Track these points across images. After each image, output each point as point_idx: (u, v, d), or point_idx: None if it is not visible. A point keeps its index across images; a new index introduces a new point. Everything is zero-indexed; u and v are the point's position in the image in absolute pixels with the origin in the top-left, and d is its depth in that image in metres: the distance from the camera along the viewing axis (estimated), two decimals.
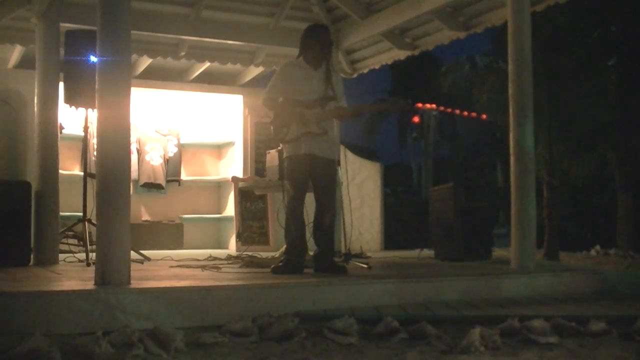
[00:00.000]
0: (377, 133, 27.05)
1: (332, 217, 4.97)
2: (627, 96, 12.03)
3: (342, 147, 7.10)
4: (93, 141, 6.99)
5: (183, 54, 8.10)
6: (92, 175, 5.09)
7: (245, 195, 9.07)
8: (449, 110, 23.22)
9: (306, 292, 3.96)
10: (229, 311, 3.61)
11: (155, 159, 9.50)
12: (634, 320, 3.34)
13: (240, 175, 9.11)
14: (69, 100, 6.05)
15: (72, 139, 8.14)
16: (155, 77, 9.12)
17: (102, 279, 3.73)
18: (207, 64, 8.73)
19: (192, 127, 9.94)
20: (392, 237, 11.87)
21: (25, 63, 8.04)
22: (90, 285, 3.77)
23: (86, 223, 6.04)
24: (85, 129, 6.34)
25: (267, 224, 9.40)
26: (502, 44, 5.85)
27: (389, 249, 10.38)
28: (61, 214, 6.35)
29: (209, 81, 9.59)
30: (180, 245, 9.18)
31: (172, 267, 5.59)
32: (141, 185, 9.38)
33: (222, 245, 9.77)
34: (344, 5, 7.63)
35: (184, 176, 9.78)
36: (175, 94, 9.59)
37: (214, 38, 7.78)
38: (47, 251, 6.03)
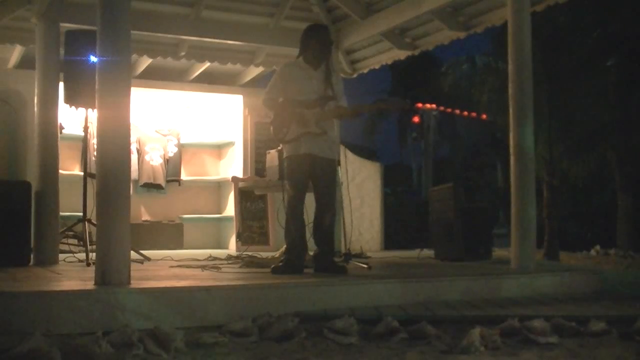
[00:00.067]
0: (377, 133, 27.04)
1: (332, 217, 4.97)
2: (627, 96, 12.04)
3: (342, 147, 7.10)
4: (93, 141, 7.00)
5: (183, 54, 8.10)
6: (92, 175, 5.09)
7: (245, 195, 9.06)
8: (449, 110, 23.22)
9: (306, 292, 3.96)
10: (229, 311, 3.61)
11: (155, 159, 9.50)
12: (634, 320, 3.34)
13: (240, 175, 9.10)
14: (69, 100, 6.04)
15: (72, 139, 8.14)
16: (155, 77, 9.12)
17: (102, 279, 3.73)
18: (207, 64, 8.73)
19: (192, 127, 9.93)
20: (392, 237, 11.86)
21: (25, 63, 8.04)
22: (90, 285, 3.77)
23: (86, 223, 6.04)
24: (85, 129, 6.35)
25: (267, 224, 9.39)
26: (502, 44, 5.85)
27: (389, 249, 10.36)
28: (61, 214, 6.36)
29: (209, 81, 9.58)
30: (180, 245, 9.18)
31: (172, 267, 5.59)
32: (141, 185, 9.37)
33: (222, 245, 9.76)
34: (344, 5, 7.63)
35: (184, 176, 9.78)
36: (175, 94, 9.59)
37: (214, 38, 7.78)
38: (47, 251, 6.03)
